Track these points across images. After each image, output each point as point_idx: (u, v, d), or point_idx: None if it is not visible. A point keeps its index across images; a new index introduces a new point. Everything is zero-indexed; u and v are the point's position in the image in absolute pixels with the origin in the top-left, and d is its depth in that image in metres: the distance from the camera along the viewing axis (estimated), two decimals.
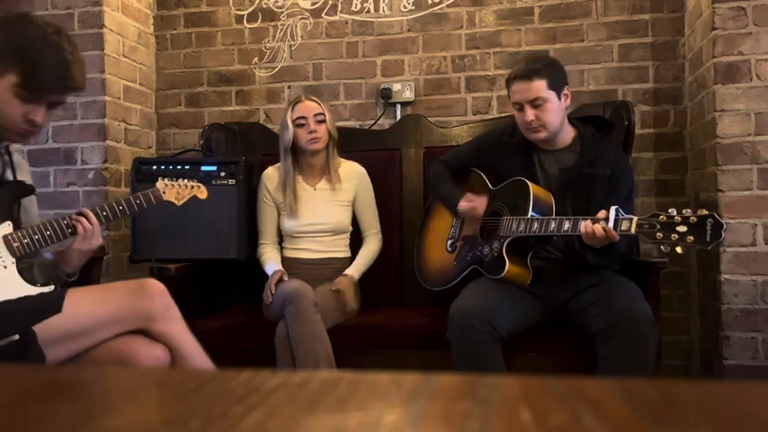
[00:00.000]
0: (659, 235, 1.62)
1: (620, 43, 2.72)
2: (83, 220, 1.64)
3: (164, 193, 1.87)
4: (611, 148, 2.02)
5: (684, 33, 2.65)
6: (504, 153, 2.07)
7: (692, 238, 1.59)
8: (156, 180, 1.91)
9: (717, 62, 2.28)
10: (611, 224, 1.69)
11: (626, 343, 1.69)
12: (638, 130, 2.52)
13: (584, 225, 1.73)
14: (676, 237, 1.60)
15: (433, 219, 2.32)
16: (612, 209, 1.70)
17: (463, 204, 2.07)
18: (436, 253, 2.24)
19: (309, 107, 2.29)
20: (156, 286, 1.55)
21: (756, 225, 2.24)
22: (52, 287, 1.54)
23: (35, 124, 1.51)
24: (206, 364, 1.56)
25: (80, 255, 1.66)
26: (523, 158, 2.03)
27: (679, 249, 1.61)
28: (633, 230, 1.66)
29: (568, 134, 2.02)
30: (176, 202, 1.92)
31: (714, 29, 2.28)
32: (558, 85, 1.94)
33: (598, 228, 1.71)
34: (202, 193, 1.99)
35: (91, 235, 1.64)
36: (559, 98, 1.94)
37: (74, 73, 1.51)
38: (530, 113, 1.92)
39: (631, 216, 1.69)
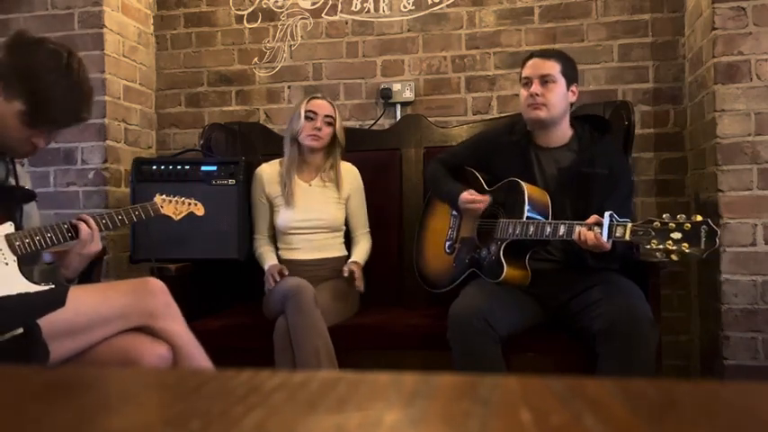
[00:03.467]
0: (654, 242, 1.61)
1: (620, 43, 2.72)
2: (83, 224, 1.66)
3: (161, 207, 1.92)
4: (608, 147, 2.02)
5: (684, 33, 2.65)
6: (503, 152, 2.07)
7: (686, 245, 1.58)
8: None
9: (717, 62, 2.28)
10: (605, 230, 1.68)
11: (626, 343, 1.68)
12: (638, 130, 2.52)
13: (578, 232, 1.74)
14: (671, 244, 1.59)
15: (432, 218, 2.32)
16: (606, 215, 1.70)
17: (465, 196, 2.03)
18: (435, 254, 2.24)
19: (323, 106, 2.33)
20: (157, 284, 1.58)
21: (756, 225, 2.24)
22: (52, 285, 1.55)
23: (37, 147, 1.58)
24: (206, 364, 1.57)
25: (80, 259, 1.68)
26: (521, 157, 2.02)
27: (674, 257, 1.60)
28: (627, 237, 1.65)
29: (567, 133, 2.02)
30: (174, 216, 1.98)
31: (714, 29, 2.28)
32: (569, 75, 1.97)
33: (590, 235, 1.71)
34: (199, 210, 2.05)
35: (90, 240, 1.67)
36: (567, 89, 1.97)
37: (81, 106, 1.56)
38: (536, 87, 1.94)
39: (626, 222, 1.68)
